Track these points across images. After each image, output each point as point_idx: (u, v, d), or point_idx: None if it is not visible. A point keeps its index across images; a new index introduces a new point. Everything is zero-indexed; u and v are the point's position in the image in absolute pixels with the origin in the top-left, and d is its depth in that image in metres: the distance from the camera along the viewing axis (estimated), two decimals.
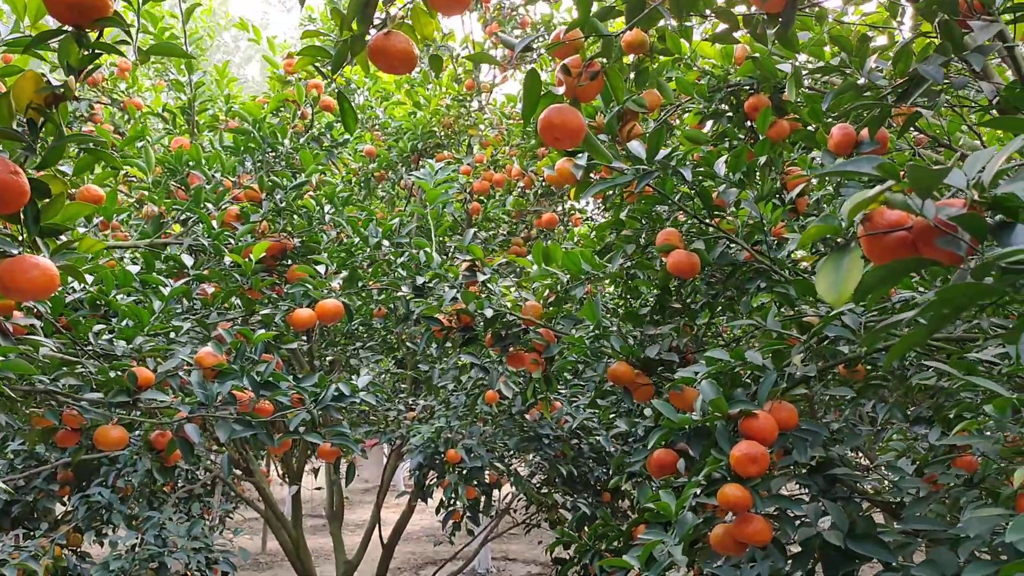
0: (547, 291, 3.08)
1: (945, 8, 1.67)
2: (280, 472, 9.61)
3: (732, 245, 2.79)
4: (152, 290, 2.83)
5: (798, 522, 2.33)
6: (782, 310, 2.71)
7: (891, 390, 2.97)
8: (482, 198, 5.40)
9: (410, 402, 5.67)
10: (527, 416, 5.71)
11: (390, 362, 6.81)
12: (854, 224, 1.18)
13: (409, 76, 6.27)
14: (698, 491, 2.17)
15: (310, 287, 3.03)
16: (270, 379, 2.60)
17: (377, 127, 6.41)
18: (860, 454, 6.59)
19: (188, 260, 3.00)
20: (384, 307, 6.43)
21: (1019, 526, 1.18)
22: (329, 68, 1.64)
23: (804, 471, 2.44)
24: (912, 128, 3.28)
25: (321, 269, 3.13)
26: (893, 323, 1.15)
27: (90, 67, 1.45)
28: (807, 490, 2.50)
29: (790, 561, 2.35)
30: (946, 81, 1.83)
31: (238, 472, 6.04)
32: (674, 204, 2.70)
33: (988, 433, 1.98)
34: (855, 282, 1.12)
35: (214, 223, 3.14)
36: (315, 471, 7.28)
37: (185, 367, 2.63)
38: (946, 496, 2.54)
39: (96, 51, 1.44)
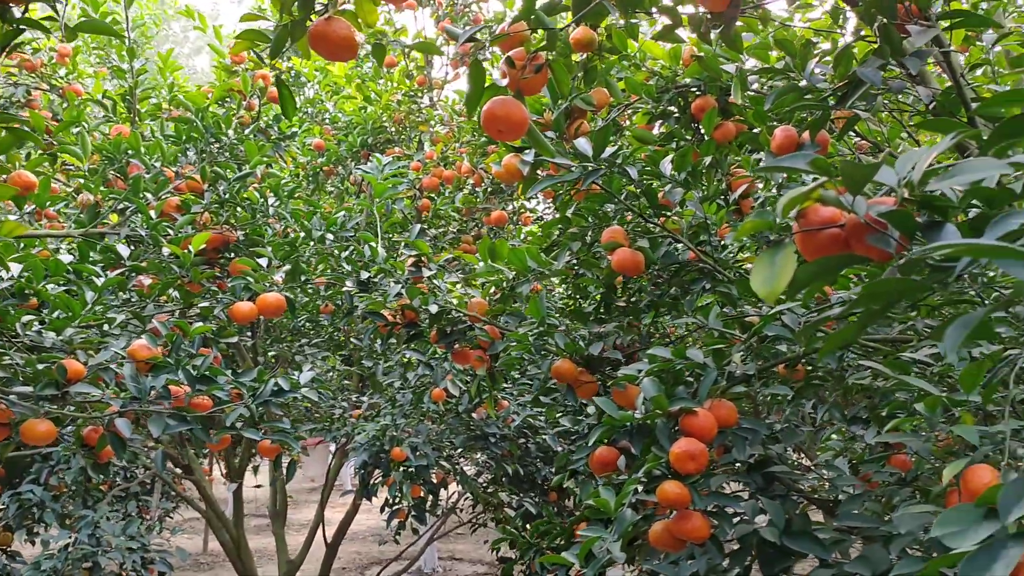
0: (493, 288, 3.07)
1: (884, 12, 1.69)
2: (223, 471, 9.45)
3: (677, 245, 2.81)
4: (85, 281, 2.75)
5: (736, 519, 2.36)
6: (725, 310, 2.73)
7: (830, 390, 3.02)
8: (432, 195, 5.36)
9: (354, 399, 5.61)
10: (474, 414, 5.69)
11: (337, 359, 6.74)
12: (790, 221, 1.18)
13: (360, 71, 6.21)
14: (638, 488, 2.18)
15: (251, 280, 2.97)
16: (207, 373, 2.54)
17: (327, 121, 6.33)
18: (802, 454, 6.71)
19: (124, 251, 2.92)
20: (331, 303, 6.36)
21: (944, 521, 1.20)
22: (269, 54, 1.61)
23: (743, 469, 2.46)
24: (854, 134, 3.34)
25: (263, 262, 3.07)
26: (822, 319, 1.16)
27: (14, 42, 1.39)
28: (747, 487, 2.53)
29: (727, 558, 2.37)
30: (884, 85, 1.86)
31: (178, 471, 5.91)
32: (620, 203, 2.70)
33: (921, 433, 2.02)
34: (788, 277, 1.12)
35: (152, 213, 3.06)
36: (255, 469, 7.15)
37: (118, 360, 2.55)
38: (881, 494, 2.58)
39: (20, 27, 1.38)
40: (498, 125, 1.61)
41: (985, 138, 1.18)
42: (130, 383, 2.45)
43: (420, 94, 5.86)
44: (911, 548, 2.12)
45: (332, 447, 6.68)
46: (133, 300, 2.99)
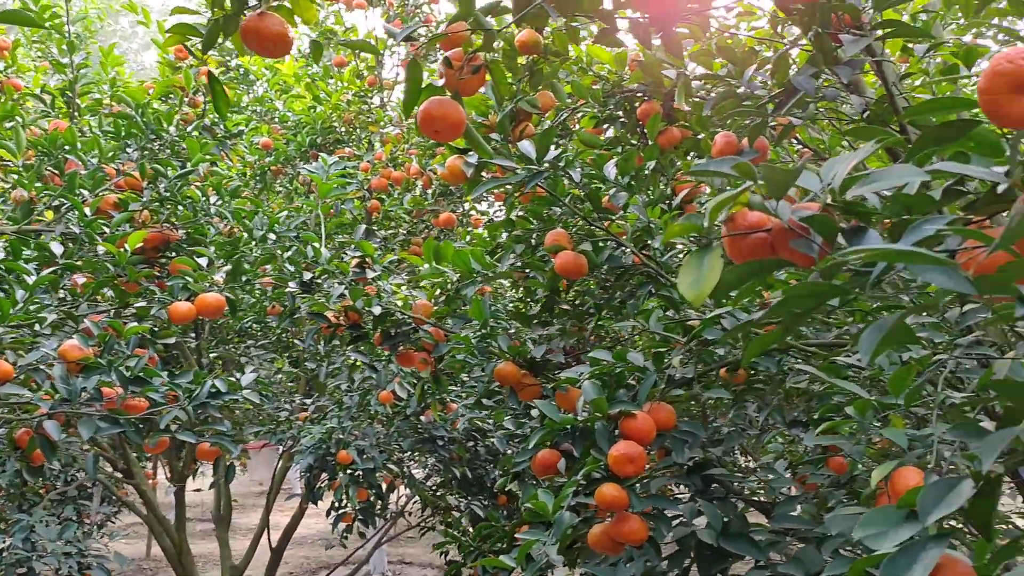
0: (438, 290, 3.05)
1: (818, 22, 1.72)
2: (166, 474, 9.25)
3: (622, 249, 2.82)
4: (17, 279, 2.67)
5: (675, 521, 2.37)
6: (668, 313, 2.75)
7: (771, 394, 3.06)
8: (381, 196, 5.32)
9: (297, 400, 5.54)
10: (422, 417, 5.66)
11: (284, 361, 6.65)
12: (718, 224, 1.19)
13: (310, 70, 6.14)
14: (578, 490, 2.18)
15: (191, 280, 2.91)
16: (141, 374, 2.48)
17: (276, 120, 6.25)
18: (748, 456, 6.81)
19: (58, 248, 2.84)
20: (278, 304, 6.27)
21: (867, 523, 1.22)
22: (200, 49, 1.57)
23: (683, 471, 2.48)
24: (796, 141, 3.40)
25: (203, 262, 3.01)
26: (748, 324, 1.17)
27: None
28: (688, 490, 2.55)
29: (666, 560, 2.38)
30: (819, 94, 1.89)
31: (118, 475, 5.77)
32: (565, 206, 2.71)
33: (855, 436, 2.05)
34: (715, 280, 1.13)
35: (88, 211, 2.98)
36: (195, 473, 7.02)
37: (49, 361, 2.48)
38: (817, 496, 2.63)
39: None
40: (434, 125, 1.60)
41: (910, 145, 1.20)
42: (60, 384, 2.38)
43: (370, 94, 5.82)
44: (844, 549, 2.15)
45: (279, 450, 6.57)
46: (67, 299, 2.91)
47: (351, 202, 5.29)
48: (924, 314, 2.17)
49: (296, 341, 4.84)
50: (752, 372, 2.74)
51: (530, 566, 2.14)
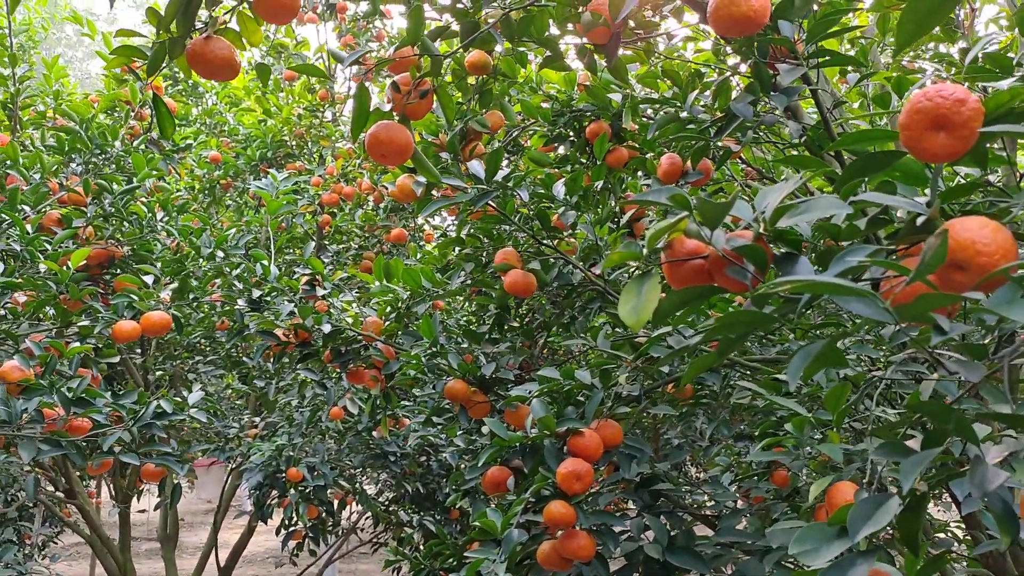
0: (388, 308, 3.05)
1: (755, 52, 1.78)
2: (111, 493, 9.04)
3: (570, 267, 2.86)
4: None
5: (623, 536, 2.41)
6: (616, 330, 2.79)
7: (717, 409, 3.12)
8: (333, 211, 5.30)
9: (246, 417, 5.47)
10: (374, 433, 5.63)
11: (234, 377, 6.56)
12: (657, 250, 1.23)
13: (260, 84, 6.09)
14: (527, 507, 2.20)
15: (135, 298, 2.87)
16: (83, 395, 2.44)
17: (226, 133, 6.19)
18: (700, 468, 6.89)
19: None
20: (228, 320, 6.18)
21: (801, 539, 1.26)
22: (145, 71, 1.57)
23: (631, 487, 2.51)
24: (741, 161, 3.48)
25: (149, 279, 2.98)
26: (685, 347, 1.20)
27: None
28: (635, 504, 2.59)
29: (614, 573, 2.41)
30: (757, 119, 1.95)
31: (59, 495, 5.63)
32: (515, 224, 2.73)
33: (796, 450, 2.11)
34: (653, 306, 1.16)
35: (29, 227, 2.92)
36: (140, 493, 6.89)
37: None
38: (761, 509, 2.68)
39: None
40: (381, 149, 1.62)
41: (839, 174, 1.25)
42: None
43: (322, 108, 5.80)
44: (785, 561, 2.21)
45: (228, 468, 6.47)
46: (7, 318, 2.85)
47: (302, 216, 5.27)
48: (861, 331, 2.25)
49: (245, 358, 4.78)
50: (699, 387, 2.79)
51: None
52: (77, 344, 2.55)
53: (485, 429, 3.11)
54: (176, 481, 3.11)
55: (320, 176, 5.31)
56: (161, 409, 2.53)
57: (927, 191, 1.21)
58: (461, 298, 4.02)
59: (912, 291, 0.96)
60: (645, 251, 1.21)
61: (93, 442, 2.72)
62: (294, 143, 5.75)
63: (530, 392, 2.40)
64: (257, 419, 5.23)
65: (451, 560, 2.91)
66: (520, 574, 2.69)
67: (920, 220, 1.09)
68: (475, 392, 2.71)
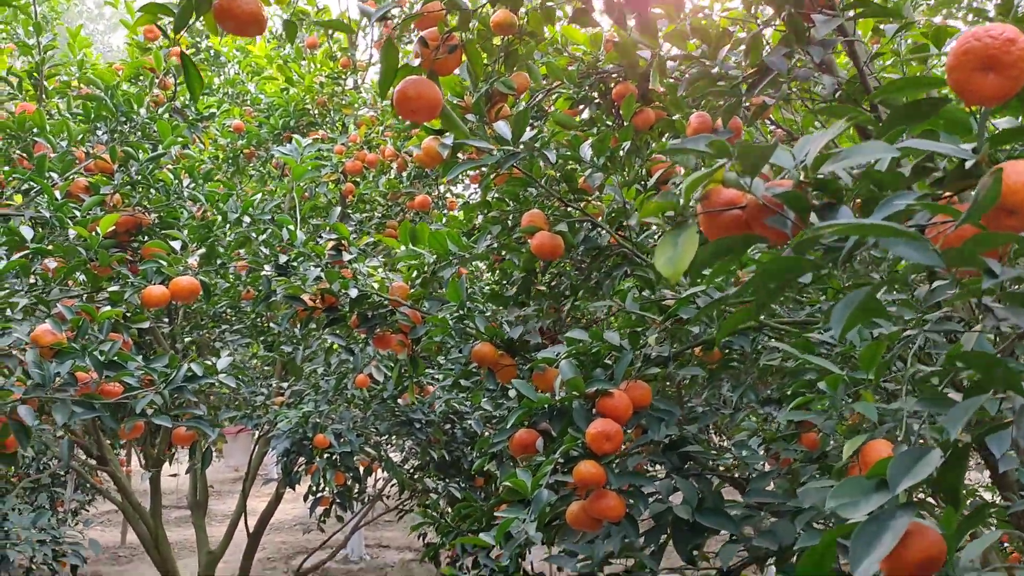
0: (415, 272, 3.05)
1: (790, 2, 1.73)
2: (141, 461, 9.19)
3: (597, 230, 2.84)
4: None
5: (651, 498, 2.40)
6: (643, 293, 2.77)
7: (744, 372, 3.10)
8: (356, 180, 5.29)
9: (273, 384, 5.51)
10: (399, 400, 5.66)
11: (260, 346, 6.61)
12: (694, 202, 1.20)
13: (282, 52, 6.07)
14: (556, 468, 2.20)
15: (164, 264, 2.89)
16: (115, 359, 2.46)
17: (248, 103, 6.18)
18: (722, 435, 6.88)
19: (28, 232, 2.80)
20: (252, 289, 6.22)
21: (838, 493, 1.24)
22: (173, 28, 1.56)
23: (659, 449, 2.51)
24: (770, 122, 3.42)
25: (177, 245, 2.99)
26: (722, 299, 1.18)
27: None
28: (663, 468, 2.58)
29: (642, 536, 2.42)
30: (791, 74, 1.91)
31: (92, 462, 5.73)
32: (541, 187, 2.71)
33: (827, 411, 2.09)
34: (690, 257, 1.14)
35: (58, 194, 2.94)
36: (172, 458, 6.98)
37: (21, 346, 2.45)
38: (790, 472, 2.67)
39: None
40: (410, 105, 1.60)
41: (880, 124, 1.22)
42: (33, 369, 2.36)
43: (344, 76, 5.77)
44: (816, 522, 2.20)
45: (255, 435, 6.55)
46: (38, 285, 2.87)
47: (325, 185, 5.26)
48: (895, 291, 2.22)
49: (271, 324, 4.81)
50: (726, 351, 2.77)
51: (509, 544, 2.16)
52: (108, 309, 2.57)
53: (512, 393, 3.11)
54: (205, 446, 3.14)
55: (343, 144, 5.29)
56: (192, 373, 2.54)
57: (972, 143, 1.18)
58: (484, 268, 4.02)
59: (962, 234, 0.94)
60: (681, 201, 1.19)
61: (125, 406, 2.75)
62: (316, 112, 5.74)
63: (558, 354, 2.39)
64: (284, 384, 5.27)
65: (479, 522, 2.93)
66: (549, 536, 2.70)
67: (968, 164, 1.06)
68: (502, 355, 2.71)
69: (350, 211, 5.63)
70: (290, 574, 7.12)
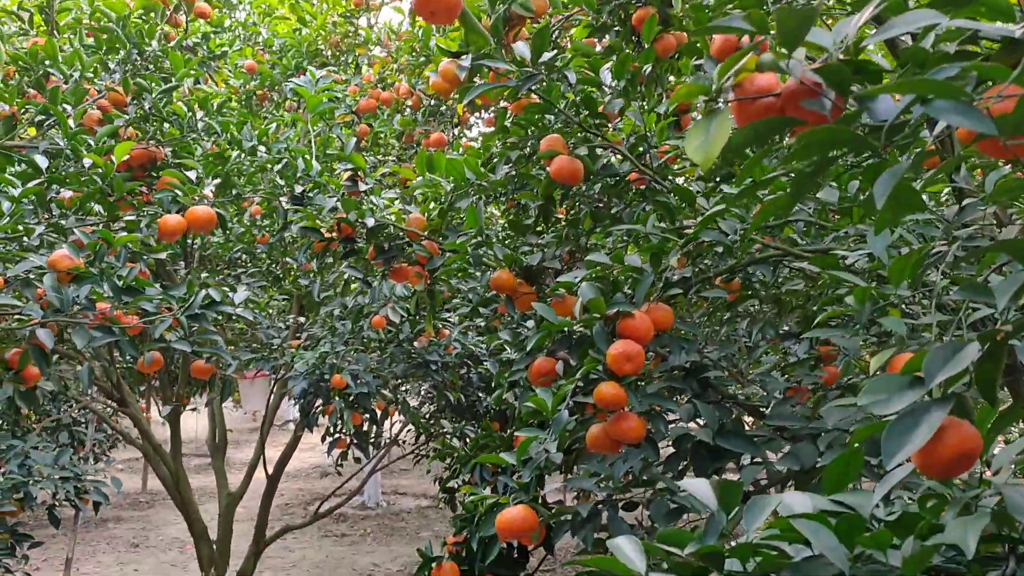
0: (432, 203, 3.02)
1: None
2: (159, 408, 9.29)
3: (617, 158, 2.79)
4: (1, 192, 2.62)
5: (671, 424, 2.39)
6: (663, 223, 2.73)
7: (764, 302, 3.07)
8: (370, 122, 5.24)
9: (291, 319, 5.51)
10: (415, 343, 5.67)
11: (275, 291, 6.62)
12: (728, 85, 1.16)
13: None
14: (576, 391, 2.18)
15: (179, 193, 2.87)
16: (133, 284, 2.45)
17: (260, 44, 6.10)
18: (738, 378, 6.88)
19: (43, 162, 2.77)
20: (267, 234, 6.21)
21: (871, 390, 1.22)
22: None
23: (680, 375, 2.49)
24: None
25: (192, 175, 2.96)
26: (754, 189, 1.15)
27: None
28: (682, 396, 2.57)
29: (662, 462, 2.41)
30: None
31: (112, 404, 5.78)
32: (560, 113, 2.66)
33: (852, 328, 2.06)
34: (722, 143, 1.11)
35: (72, 123, 2.91)
36: (193, 393, 7.04)
37: (38, 273, 2.45)
38: (809, 400, 2.65)
39: None
40: (431, 7, 1.55)
41: None
42: (51, 293, 2.35)
43: (357, 15, 5.68)
44: (838, 445, 2.18)
45: (273, 380, 6.59)
46: (54, 215, 2.86)
47: (339, 128, 5.21)
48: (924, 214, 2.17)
49: (288, 260, 4.80)
50: (745, 284, 2.74)
51: (528, 465, 2.16)
52: (125, 234, 2.55)
53: (531, 324, 3.09)
54: (223, 376, 3.15)
55: (356, 85, 5.23)
56: (210, 299, 2.54)
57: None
58: (499, 214, 3.96)
59: (1010, 104, 0.90)
60: (714, 87, 1.15)
61: (143, 340, 2.75)
62: (329, 52, 5.66)
63: (577, 279, 2.36)
64: (301, 320, 5.28)
65: (497, 452, 2.94)
66: (567, 462, 2.71)
67: (1018, 34, 1.01)
68: (521, 283, 2.69)
69: (365, 153, 5.58)
70: (308, 518, 7.22)
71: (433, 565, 2.82)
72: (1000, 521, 1.25)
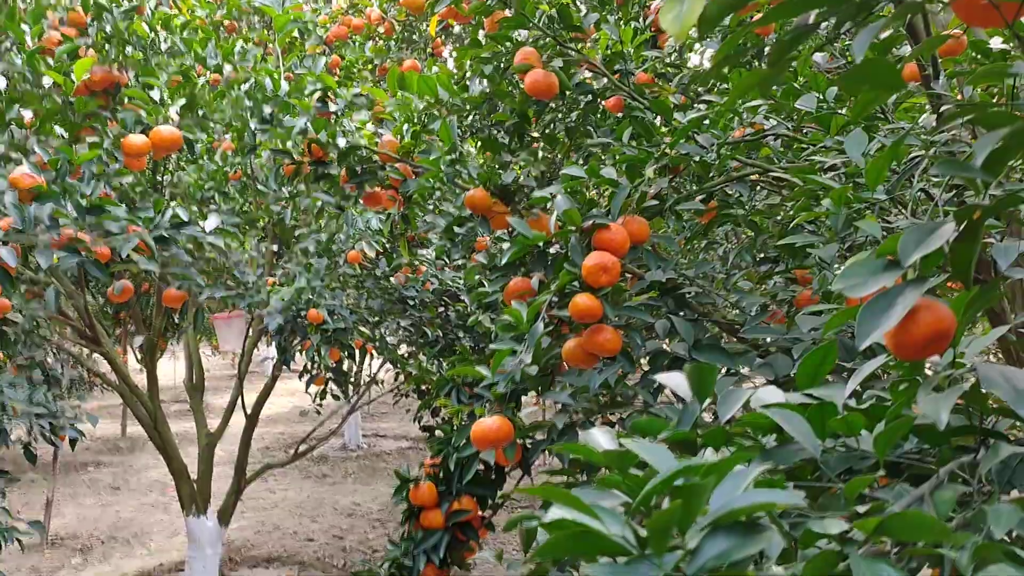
0: (404, 123, 2.95)
1: None
2: (137, 355, 9.22)
3: (592, 74, 2.74)
4: None
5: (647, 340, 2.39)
6: (641, 141, 2.69)
7: (740, 224, 3.05)
8: (342, 52, 5.11)
9: (263, 248, 5.44)
10: (392, 279, 5.64)
11: (249, 234, 6.53)
12: None
13: None
14: (552, 305, 2.16)
15: (143, 114, 2.78)
16: (98, 203, 2.39)
17: None
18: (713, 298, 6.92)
19: (1, 81, 2.68)
20: (240, 170, 6.09)
21: (846, 275, 1.20)
22: None
23: (656, 292, 2.47)
24: None
25: (156, 95, 2.87)
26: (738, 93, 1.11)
27: None
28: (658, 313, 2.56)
29: (640, 378, 2.41)
30: None
31: (85, 343, 5.71)
32: (534, 27, 2.59)
33: (828, 235, 2.05)
34: (699, 11, 1.07)
35: (29, 41, 2.80)
36: (173, 331, 6.99)
37: None
38: (786, 316, 2.65)
39: None
40: None
41: None
42: (13, 212, 2.29)
43: None
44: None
45: (248, 320, 6.53)
46: (14, 136, 2.77)
47: (311, 59, 5.08)
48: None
49: (260, 186, 4.72)
50: (723, 204, 2.71)
51: (504, 377, 2.15)
52: (88, 151, 2.48)
53: (506, 247, 3.06)
54: (196, 307, 3.10)
55: (327, 15, 5.09)
56: (178, 218, 2.48)
57: None
58: (474, 150, 3.89)
59: None
60: None
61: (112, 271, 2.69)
62: None
63: (552, 194, 2.33)
64: (275, 247, 5.22)
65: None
66: (544, 383, 2.70)
67: None
68: (495, 202, 2.65)
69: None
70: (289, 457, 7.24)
71: (411, 485, 2.83)
72: (972, 399, 1.25)
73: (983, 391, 1.20)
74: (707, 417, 1.44)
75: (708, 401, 1.40)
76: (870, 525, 0.93)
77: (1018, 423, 1.37)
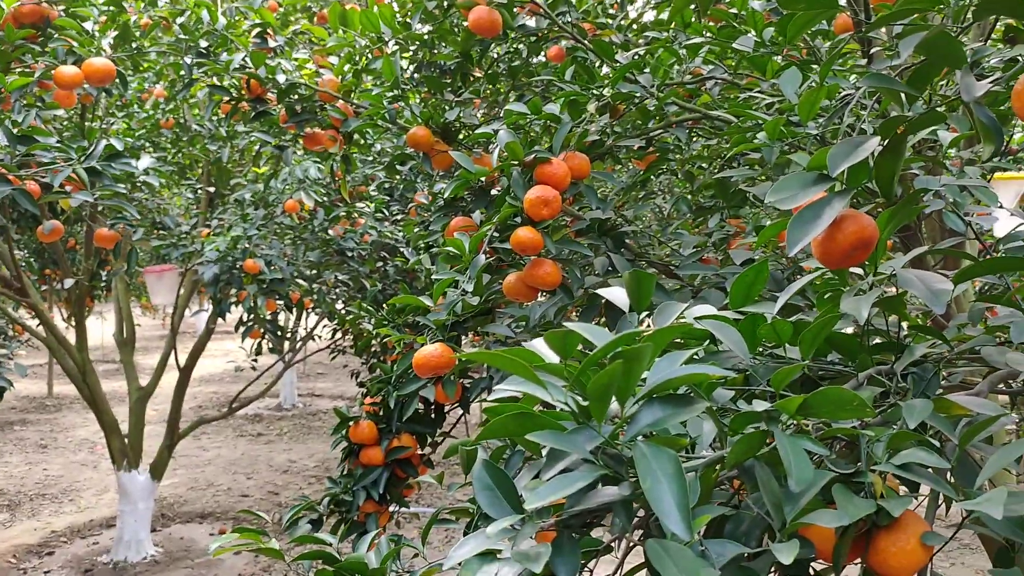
0: (346, 64, 2.92)
1: None
2: (64, 314, 8.96)
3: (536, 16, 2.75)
4: None
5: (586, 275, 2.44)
6: (584, 80, 2.72)
7: (677, 172, 3.12)
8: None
9: (199, 190, 5.34)
10: (330, 231, 5.59)
11: (184, 186, 6.38)
12: None
13: None
14: (492, 239, 2.19)
15: (75, 44, 2.69)
16: (29, 132, 2.32)
17: None
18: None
19: None
20: (173, 118, 5.93)
21: (777, 189, 1.26)
22: None
23: (595, 232, 2.52)
24: None
25: (89, 26, 2.78)
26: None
27: None
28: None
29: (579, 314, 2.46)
30: None
31: (10, 294, 5.54)
32: None
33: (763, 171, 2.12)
34: None
35: None
36: (102, 286, 6.83)
37: None
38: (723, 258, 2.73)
39: None
40: None
41: None
42: None
43: None
44: None
45: (181, 273, 6.40)
46: None
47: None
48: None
49: (196, 127, 4.62)
50: (661, 152, 2.77)
51: (445, 305, 2.18)
52: (18, 79, 2.40)
53: (439, 186, 3.07)
54: (129, 247, 3.04)
55: None
56: (112, 149, 2.42)
57: None
58: (419, 101, 3.86)
59: None
60: None
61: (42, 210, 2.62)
62: None
63: (495, 130, 2.35)
64: (211, 189, 5.12)
65: (415, 315, 2.95)
66: (485, 321, 2.74)
67: None
68: (438, 141, 2.65)
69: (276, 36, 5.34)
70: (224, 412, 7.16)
71: (351, 424, 2.85)
72: (891, 307, 1.32)
73: (901, 296, 1.28)
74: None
75: (645, 314, 1.46)
76: (793, 404, 0.99)
77: (939, 342, 1.46)
